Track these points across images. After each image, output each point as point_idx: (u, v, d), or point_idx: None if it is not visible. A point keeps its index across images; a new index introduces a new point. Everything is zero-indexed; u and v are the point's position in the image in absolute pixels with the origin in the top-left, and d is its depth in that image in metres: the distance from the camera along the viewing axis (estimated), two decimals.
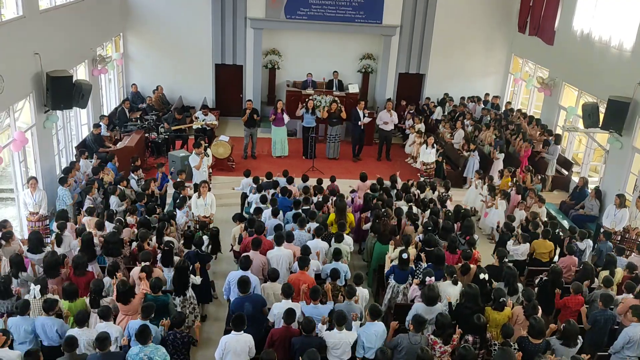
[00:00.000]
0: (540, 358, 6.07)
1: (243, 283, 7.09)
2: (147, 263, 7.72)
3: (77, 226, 9.04)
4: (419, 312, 7.08)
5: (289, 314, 6.58)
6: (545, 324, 6.95)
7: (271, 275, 7.66)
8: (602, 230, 10.95)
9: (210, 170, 12.87)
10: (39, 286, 6.93)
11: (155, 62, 17.90)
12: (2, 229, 8.53)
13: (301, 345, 6.42)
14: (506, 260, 8.64)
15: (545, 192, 13.45)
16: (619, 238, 10.89)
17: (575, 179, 14.01)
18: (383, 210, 9.83)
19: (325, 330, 6.68)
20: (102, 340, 5.97)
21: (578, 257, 9.43)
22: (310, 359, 5.74)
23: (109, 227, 8.99)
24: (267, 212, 9.68)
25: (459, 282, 7.85)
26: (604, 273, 8.55)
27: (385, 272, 8.57)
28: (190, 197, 10.46)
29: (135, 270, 7.75)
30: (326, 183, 11.65)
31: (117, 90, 17.31)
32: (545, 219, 10.94)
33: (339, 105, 15.48)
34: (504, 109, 17.79)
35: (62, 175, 10.76)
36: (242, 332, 6.37)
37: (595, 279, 8.59)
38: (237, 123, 15.29)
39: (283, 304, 6.95)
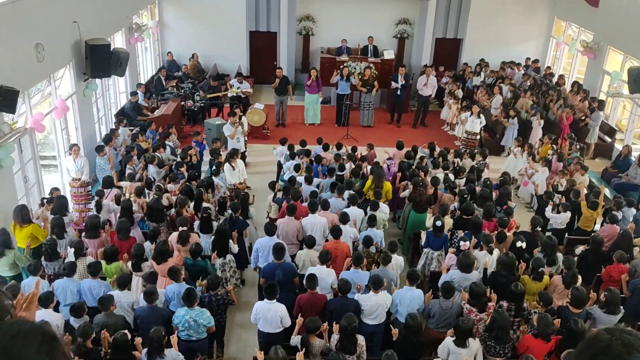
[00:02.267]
0: (577, 321, 6.00)
1: (279, 250, 7.18)
2: (185, 228, 7.90)
3: (118, 192, 9.26)
4: (453, 278, 7.08)
5: (310, 279, 6.66)
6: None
7: (307, 242, 7.72)
8: None
9: (246, 138, 12.94)
10: (73, 249, 7.18)
11: (190, 30, 17.90)
12: (52, 194, 8.86)
13: (336, 306, 6.52)
14: (539, 229, 8.51)
15: (587, 160, 13.10)
16: None
17: (618, 146, 13.59)
18: (420, 179, 9.75)
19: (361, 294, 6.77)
20: (150, 294, 6.25)
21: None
22: (349, 323, 5.81)
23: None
24: (302, 179, 9.73)
25: (495, 251, 7.78)
26: None
27: (422, 243, 8.56)
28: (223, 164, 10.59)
29: (174, 236, 7.94)
30: (363, 151, 11.58)
31: (153, 59, 17.45)
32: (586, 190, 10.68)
33: (373, 72, 15.27)
34: (543, 73, 17.25)
35: (100, 144, 10.98)
36: (275, 301, 6.47)
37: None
38: (271, 91, 15.29)
39: (317, 269, 7.04)
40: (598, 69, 15.14)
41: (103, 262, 7.25)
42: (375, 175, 9.72)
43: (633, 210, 9.69)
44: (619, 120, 15.03)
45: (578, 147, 12.43)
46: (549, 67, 17.62)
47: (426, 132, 15.21)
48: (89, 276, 6.93)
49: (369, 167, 10.45)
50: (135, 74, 15.51)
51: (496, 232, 8.36)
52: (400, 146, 11.43)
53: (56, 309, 6.60)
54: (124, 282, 6.74)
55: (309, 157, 10.74)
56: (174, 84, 15.77)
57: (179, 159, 10.77)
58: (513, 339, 6.34)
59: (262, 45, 18.32)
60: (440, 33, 18.27)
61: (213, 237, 8.02)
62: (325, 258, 7.12)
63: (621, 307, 6.72)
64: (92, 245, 7.87)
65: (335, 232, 7.79)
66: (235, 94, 14.86)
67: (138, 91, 14.09)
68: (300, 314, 6.43)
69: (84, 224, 8.46)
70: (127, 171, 10.17)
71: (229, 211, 8.61)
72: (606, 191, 11.68)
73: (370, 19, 18.13)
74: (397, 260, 7.62)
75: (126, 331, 5.88)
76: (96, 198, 8.98)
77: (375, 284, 6.61)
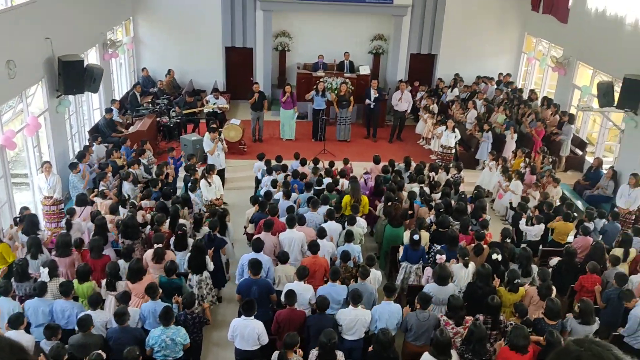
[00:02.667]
0: (552, 332, 6.05)
1: (256, 264, 7.13)
2: (160, 245, 7.80)
3: (93, 209, 9.11)
4: (430, 291, 7.11)
5: (289, 295, 6.64)
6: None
7: (281, 257, 7.71)
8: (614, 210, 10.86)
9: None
10: (47, 269, 7.04)
11: (165, 46, 17.83)
12: (22, 213, 8.67)
13: (315, 323, 6.48)
14: (508, 240, 8.62)
15: (559, 173, 13.33)
16: (633, 218, 10.79)
17: (589, 159, 13.86)
18: (394, 194, 9.79)
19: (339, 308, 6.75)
20: (121, 315, 6.12)
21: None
22: (328, 339, 5.78)
23: (122, 211, 9.08)
24: (279, 195, 9.71)
25: (470, 264, 7.84)
26: (616, 251, 8.51)
27: (399, 257, 8.59)
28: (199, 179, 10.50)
29: (149, 253, 7.83)
30: (340, 166, 11.61)
31: (128, 75, 17.32)
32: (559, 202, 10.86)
33: (349, 87, 15.39)
34: (511, 87, 17.53)
35: (74, 161, 10.82)
36: (252, 317, 6.42)
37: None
38: (247, 106, 15.29)
39: (294, 285, 7.00)
40: (568, 84, 15.47)
41: (75, 282, 7.10)
42: (352, 189, 9.75)
43: (605, 222, 9.86)
44: (589, 133, 15.35)
45: (550, 160, 12.66)
46: (512, 82, 17.82)
47: (402, 146, 15.33)
48: (61, 296, 6.78)
49: (347, 182, 10.48)
50: (110, 90, 15.36)
51: (473, 244, 8.44)
52: (377, 160, 11.50)
53: (27, 330, 6.44)
54: (95, 301, 6.62)
55: (286, 173, 10.74)
56: (150, 100, 15.66)
57: (153, 176, 10.64)
58: (490, 352, 6.37)
59: (238, 61, 18.33)
60: (415, 49, 18.52)
61: (189, 254, 7.92)
62: (302, 274, 7.09)
63: (596, 318, 6.81)
64: (62, 264, 7.70)
65: (313, 247, 7.77)
66: (211, 110, 14.82)
67: (112, 107, 13.95)
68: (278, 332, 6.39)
69: (54, 242, 8.28)
70: (101, 188, 10.03)
71: (206, 228, 8.53)
72: (578, 203, 11.90)
73: (346, 35, 18.26)
74: (375, 274, 7.63)
75: (101, 351, 5.76)
76: (67, 216, 8.82)
77: (355, 299, 6.60)
